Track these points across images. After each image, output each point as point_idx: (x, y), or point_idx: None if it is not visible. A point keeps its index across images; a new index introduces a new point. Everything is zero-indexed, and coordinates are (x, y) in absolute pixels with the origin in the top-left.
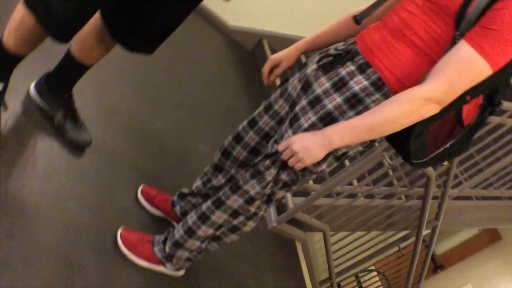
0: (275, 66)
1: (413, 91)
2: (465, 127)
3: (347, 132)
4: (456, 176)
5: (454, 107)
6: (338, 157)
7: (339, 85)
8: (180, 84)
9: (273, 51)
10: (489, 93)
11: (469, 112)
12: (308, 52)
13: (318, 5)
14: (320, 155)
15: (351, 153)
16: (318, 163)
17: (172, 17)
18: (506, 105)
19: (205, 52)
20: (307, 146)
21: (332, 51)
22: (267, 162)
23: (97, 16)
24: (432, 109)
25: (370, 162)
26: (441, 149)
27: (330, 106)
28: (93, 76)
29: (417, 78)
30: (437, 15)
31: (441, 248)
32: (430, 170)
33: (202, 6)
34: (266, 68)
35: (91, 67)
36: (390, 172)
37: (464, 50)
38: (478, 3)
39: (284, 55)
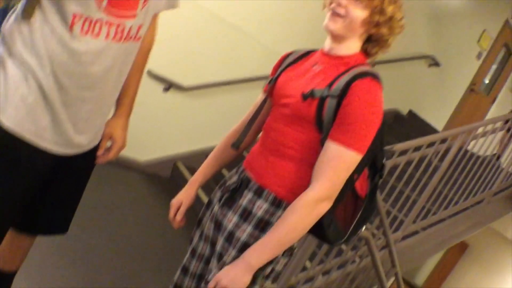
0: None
1: (302, 197)
2: (364, 199)
3: (261, 250)
4: (395, 218)
5: (348, 189)
6: (267, 276)
7: (245, 215)
8: (114, 241)
9: (191, 169)
10: (371, 163)
11: (361, 185)
12: (203, 183)
13: (218, 116)
14: (247, 279)
15: (278, 267)
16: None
17: (74, 190)
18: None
19: (128, 197)
20: (232, 277)
21: (229, 183)
22: None
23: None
24: (326, 206)
25: (308, 249)
26: (353, 224)
27: (244, 236)
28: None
29: (305, 183)
30: (300, 125)
31: (420, 278)
32: (363, 232)
33: None
34: (171, 214)
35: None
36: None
37: (331, 148)
38: (329, 106)
39: (183, 196)
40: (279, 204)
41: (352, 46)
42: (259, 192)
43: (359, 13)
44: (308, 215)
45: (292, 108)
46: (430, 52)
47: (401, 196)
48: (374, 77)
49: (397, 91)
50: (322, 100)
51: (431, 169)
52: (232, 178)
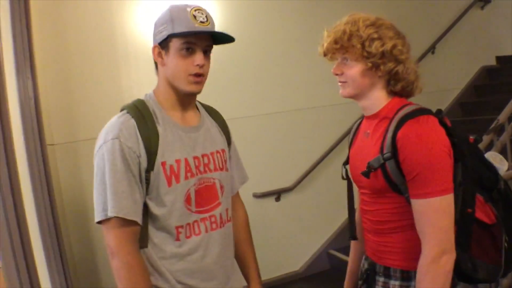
0: None
1: (420, 266)
2: (496, 222)
3: None
4: None
5: (468, 229)
6: None
7: None
8: None
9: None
10: (478, 186)
11: (485, 212)
12: (354, 283)
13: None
14: None
15: None
16: None
17: None
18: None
19: None
20: None
21: (362, 271)
22: None
23: None
24: (448, 260)
25: None
26: (503, 250)
27: None
28: None
29: (419, 243)
30: (383, 197)
31: None
32: None
33: None
34: None
35: None
36: None
37: (416, 206)
38: (392, 169)
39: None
40: (408, 276)
41: (378, 97)
42: (386, 273)
43: (354, 70)
44: (435, 279)
45: (367, 187)
46: None
47: None
48: (413, 115)
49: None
50: (383, 167)
51: None
52: (364, 265)
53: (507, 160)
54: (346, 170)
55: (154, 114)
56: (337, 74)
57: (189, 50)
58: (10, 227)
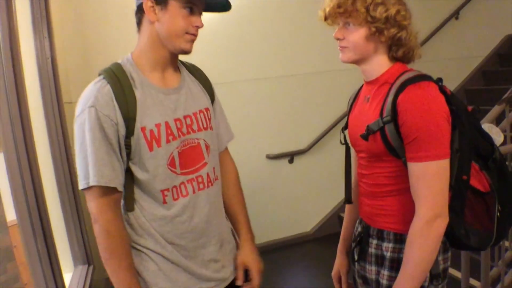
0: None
1: (412, 228)
2: (490, 190)
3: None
4: None
5: (464, 192)
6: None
7: (379, 261)
8: None
9: None
10: (474, 154)
11: (479, 180)
12: (349, 246)
13: None
14: None
15: None
16: None
17: None
18: None
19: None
20: None
21: (356, 235)
22: None
23: None
24: (440, 224)
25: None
26: (496, 218)
27: (385, 281)
28: None
29: (414, 209)
30: (381, 161)
31: None
32: None
33: None
34: (337, 287)
35: None
36: None
37: (413, 169)
38: (390, 133)
39: (338, 266)
40: (401, 239)
41: (379, 63)
42: (380, 236)
43: (357, 35)
44: (426, 241)
45: (366, 151)
46: None
47: None
48: (415, 80)
49: None
50: (382, 130)
51: None
52: (357, 229)
53: None
54: (345, 136)
55: (132, 78)
56: (338, 39)
57: (191, 10)
58: (24, 183)
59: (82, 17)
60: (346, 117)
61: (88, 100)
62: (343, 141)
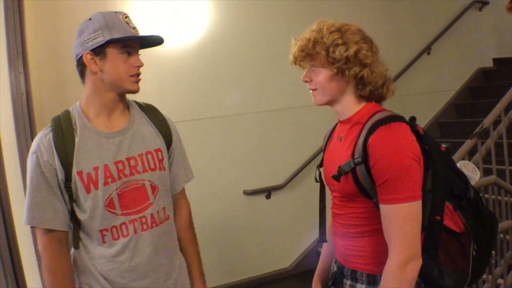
0: None
1: (386, 271)
2: (465, 231)
3: None
4: None
5: (436, 237)
6: None
7: None
8: None
9: None
10: (447, 194)
11: (453, 220)
12: (324, 277)
13: None
14: None
15: None
16: None
17: None
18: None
19: None
20: None
21: (332, 274)
22: None
23: None
24: (414, 266)
25: None
26: (471, 259)
27: None
28: None
29: (387, 249)
30: (353, 201)
31: None
32: None
33: None
34: None
35: None
36: None
37: (385, 211)
38: (362, 174)
39: None
40: (374, 280)
41: (350, 102)
42: (353, 276)
43: (321, 76)
44: (400, 284)
45: (338, 191)
46: None
47: None
48: (385, 121)
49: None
50: (354, 171)
51: None
52: (333, 268)
53: (491, 165)
54: (320, 173)
55: (75, 124)
56: (306, 81)
57: (129, 53)
58: None
59: (58, 52)
60: (322, 153)
61: (33, 147)
62: (318, 179)
